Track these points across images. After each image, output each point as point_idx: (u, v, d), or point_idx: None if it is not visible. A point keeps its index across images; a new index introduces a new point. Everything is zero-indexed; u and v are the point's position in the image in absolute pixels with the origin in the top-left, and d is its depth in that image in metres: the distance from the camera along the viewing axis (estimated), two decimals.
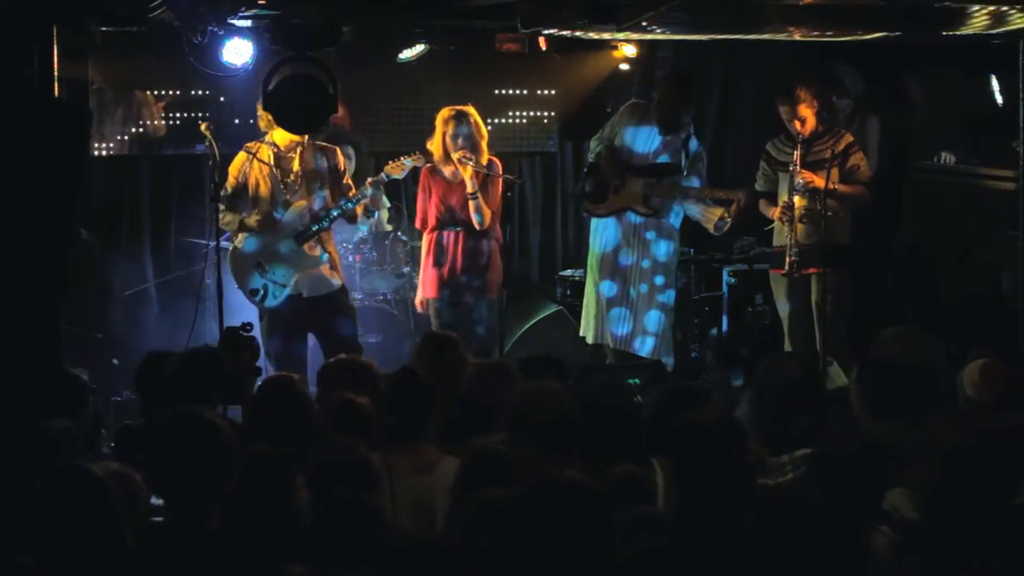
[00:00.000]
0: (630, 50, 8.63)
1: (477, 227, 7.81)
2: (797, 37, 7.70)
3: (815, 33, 7.57)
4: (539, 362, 5.67)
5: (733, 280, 8.92)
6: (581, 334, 8.57)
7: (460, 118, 7.76)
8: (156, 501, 3.93)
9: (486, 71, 9.17)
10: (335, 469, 4.08)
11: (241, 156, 7.49)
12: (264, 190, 7.42)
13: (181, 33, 7.23)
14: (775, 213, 7.87)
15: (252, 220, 7.43)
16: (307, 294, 7.50)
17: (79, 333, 8.23)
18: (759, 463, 4.37)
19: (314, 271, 7.49)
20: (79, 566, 3.54)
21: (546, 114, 9.72)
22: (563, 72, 9.33)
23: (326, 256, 7.52)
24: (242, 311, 7.62)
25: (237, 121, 8.82)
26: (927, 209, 8.89)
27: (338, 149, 7.64)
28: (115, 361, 8.39)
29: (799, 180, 7.68)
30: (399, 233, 8.88)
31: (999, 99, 8.54)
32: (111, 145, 9.03)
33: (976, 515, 3.68)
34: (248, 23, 7.35)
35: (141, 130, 9.12)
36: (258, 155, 7.42)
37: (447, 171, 7.87)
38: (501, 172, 7.85)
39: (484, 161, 7.76)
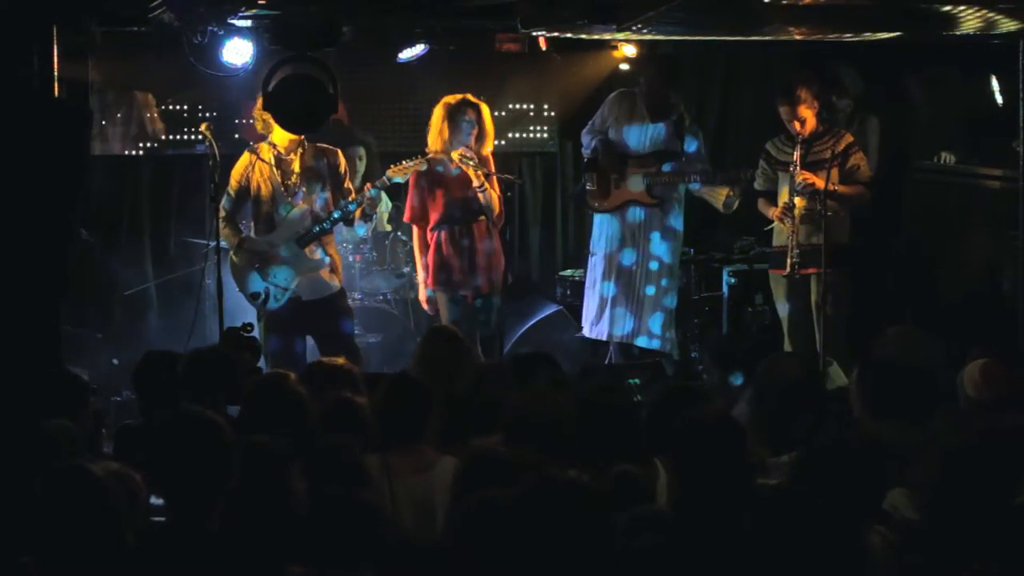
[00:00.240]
0: (630, 50, 8.63)
1: (487, 221, 7.76)
2: (797, 37, 7.71)
3: (816, 34, 7.58)
4: (531, 358, 5.66)
5: (733, 280, 8.92)
6: (583, 333, 8.57)
7: (467, 107, 7.67)
8: (156, 501, 3.93)
9: (486, 71, 9.16)
10: (328, 468, 4.08)
11: (245, 158, 7.49)
12: (265, 192, 7.42)
13: (181, 33, 7.24)
14: (775, 213, 7.88)
15: (252, 230, 7.46)
16: (306, 297, 7.49)
17: (79, 333, 8.24)
18: (759, 463, 4.38)
19: (314, 274, 7.49)
20: (79, 566, 3.53)
21: (546, 114, 9.72)
22: (563, 72, 9.33)
23: (327, 258, 7.51)
24: (242, 311, 7.63)
25: (237, 121, 8.83)
26: (927, 209, 8.89)
27: (339, 151, 7.63)
28: (115, 361, 8.39)
29: (799, 180, 7.69)
30: (399, 233, 8.87)
31: (999, 99, 8.54)
32: (111, 145, 9.03)
33: (976, 515, 3.68)
34: (248, 23, 7.35)
35: (141, 130, 9.12)
36: (260, 154, 7.42)
37: (448, 165, 7.73)
38: (494, 169, 7.80)
39: (486, 152, 7.69)
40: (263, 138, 7.55)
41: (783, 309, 8.02)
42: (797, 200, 7.73)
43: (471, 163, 7.62)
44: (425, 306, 8.00)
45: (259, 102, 7.28)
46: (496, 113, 8.99)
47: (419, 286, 8.01)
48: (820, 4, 6.50)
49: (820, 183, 7.61)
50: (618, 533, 3.52)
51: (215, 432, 3.71)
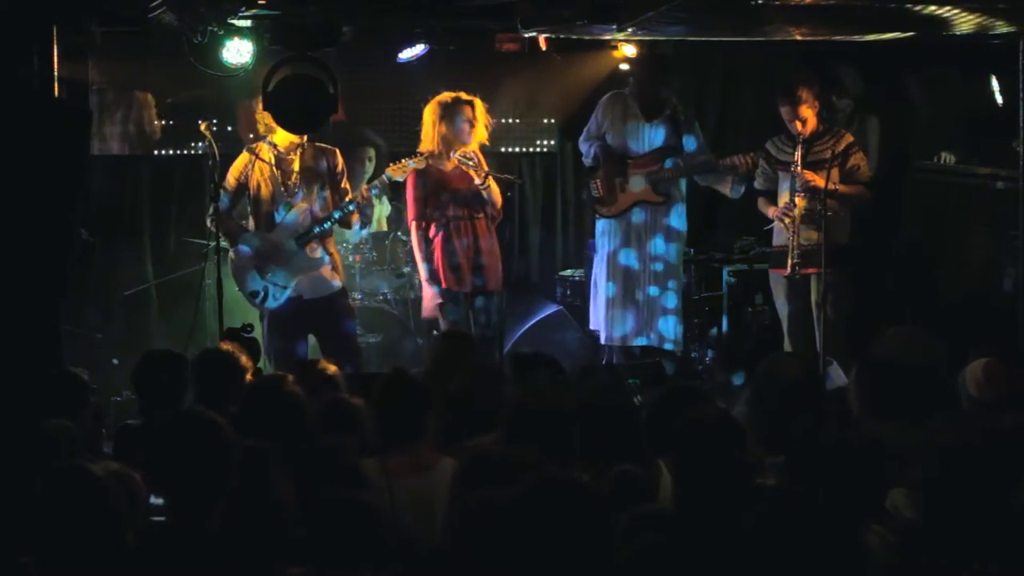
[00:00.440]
0: (630, 50, 8.63)
1: (486, 219, 7.76)
2: (797, 37, 7.71)
3: (816, 34, 7.58)
4: (530, 358, 5.66)
5: (733, 280, 8.92)
6: (592, 329, 8.59)
7: (463, 105, 7.64)
8: (156, 501, 3.93)
9: (486, 71, 9.16)
10: (325, 470, 4.08)
11: (244, 156, 7.49)
12: (265, 191, 7.42)
13: (181, 33, 7.24)
14: (774, 213, 7.88)
15: (250, 226, 7.46)
16: (307, 296, 7.50)
17: (79, 333, 8.24)
18: (758, 463, 4.37)
19: (315, 273, 7.49)
20: (79, 566, 3.53)
21: (546, 114, 9.72)
22: (563, 72, 9.32)
23: (327, 258, 7.52)
24: (242, 311, 7.64)
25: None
26: (927, 209, 8.89)
27: (338, 151, 7.63)
28: (115, 361, 8.39)
29: (801, 180, 7.69)
30: (399, 233, 8.87)
31: (999, 99, 8.54)
32: (111, 145, 9.03)
33: (976, 515, 3.68)
34: (248, 23, 7.36)
35: (140, 130, 9.12)
36: (260, 154, 7.42)
37: (446, 163, 7.73)
38: (486, 167, 7.80)
39: (477, 146, 7.69)
40: (259, 139, 7.55)
41: (783, 309, 8.02)
42: (798, 200, 7.73)
43: (470, 163, 7.63)
44: (427, 306, 7.94)
45: (259, 103, 7.29)
46: (496, 113, 8.99)
47: (421, 285, 7.98)
48: (820, 4, 6.50)
49: (821, 183, 7.61)
50: (618, 533, 3.52)
51: (215, 432, 3.71)
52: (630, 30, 7.17)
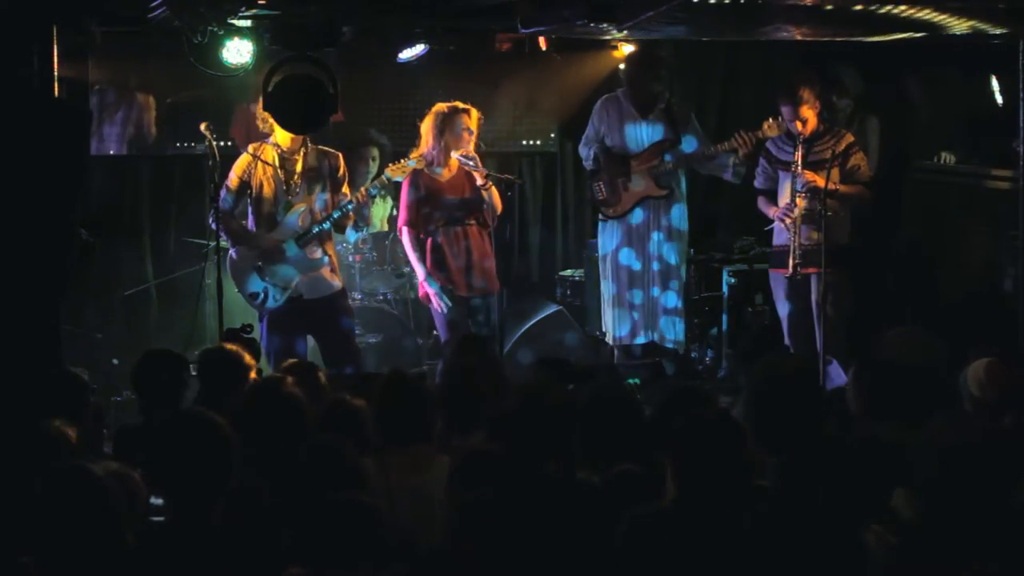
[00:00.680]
0: (630, 50, 8.64)
1: (478, 223, 7.77)
2: (798, 37, 7.71)
3: (817, 35, 7.58)
4: (553, 364, 5.64)
5: (733, 280, 8.93)
6: (602, 330, 8.60)
7: (462, 114, 7.64)
8: (156, 501, 3.93)
9: (486, 71, 9.17)
10: (325, 470, 4.08)
11: (245, 157, 7.48)
12: (268, 191, 7.42)
13: (181, 33, 7.24)
14: (775, 212, 7.88)
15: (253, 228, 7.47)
16: (307, 296, 7.50)
17: (79, 333, 8.24)
18: (758, 463, 4.37)
19: (314, 273, 7.49)
20: (79, 566, 3.54)
21: (546, 114, 9.72)
22: (563, 72, 9.33)
23: (326, 258, 7.52)
24: (242, 311, 7.63)
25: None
26: (927, 209, 8.89)
27: (340, 154, 7.63)
28: (115, 361, 8.39)
29: (802, 180, 7.69)
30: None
31: (999, 99, 8.55)
32: (107, 145, 9.03)
33: (976, 515, 3.68)
34: (248, 23, 7.35)
35: (139, 131, 9.12)
36: (262, 156, 7.41)
37: (444, 168, 7.74)
38: (482, 166, 7.80)
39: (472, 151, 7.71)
40: (258, 139, 7.55)
41: (783, 309, 8.02)
42: (798, 200, 7.73)
43: (471, 164, 7.63)
44: (433, 301, 7.92)
45: (258, 105, 7.30)
46: (496, 113, 9.00)
47: (419, 285, 7.98)
48: (820, 4, 6.51)
49: (821, 183, 7.61)
50: (619, 532, 3.52)
51: (215, 432, 3.71)
52: (630, 28, 7.17)
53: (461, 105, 7.69)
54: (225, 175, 7.47)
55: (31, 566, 3.56)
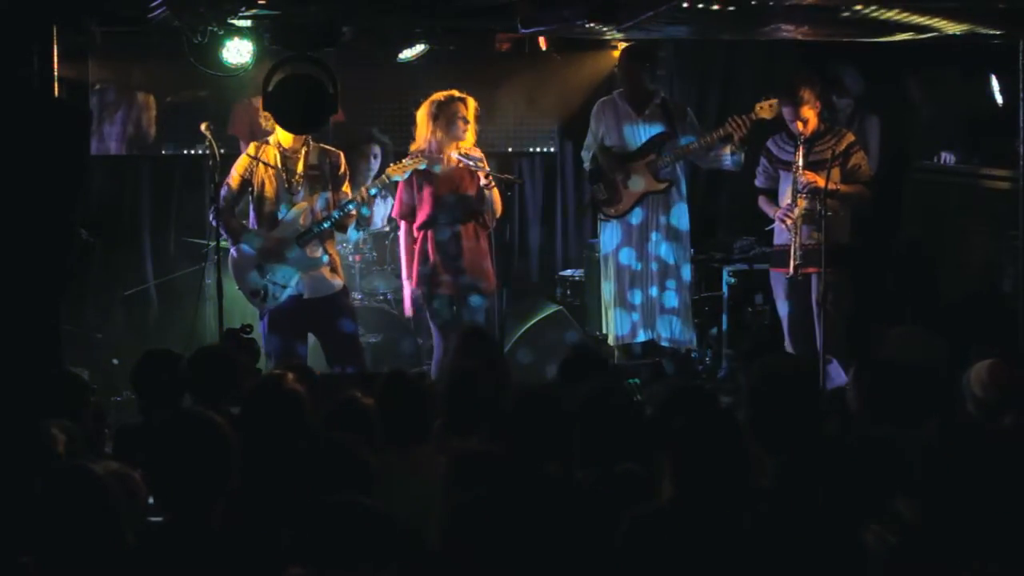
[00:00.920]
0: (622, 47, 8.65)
1: (475, 222, 7.77)
2: (798, 37, 7.70)
3: (817, 35, 7.58)
4: (581, 363, 5.62)
5: (733, 280, 8.92)
6: (603, 332, 8.60)
7: (458, 103, 7.64)
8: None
9: (486, 71, 9.17)
10: (336, 468, 4.08)
11: (245, 158, 7.48)
12: (269, 190, 7.42)
13: (181, 33, 7.24)
14: (776, 213, 7.88)
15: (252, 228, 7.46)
16: (308, 295, 7.50)
17: (79, 333, 8.24)
18: (758, 463, 4.37)
19: (315, 272, 7.49)
20: (79, 566, 3.54)
21: (546, 114, 9.72)
22: (563, 72, 9.33)
23: (327, 257, 7.52)
24: (241, 311, 7.64)
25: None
26: (927, 209, 8.89)
27: (341, 153, 7.63)
28: (115, 361, 8.40)
29: (803, 181, 7.69)
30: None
31: (999, 99, 8.54)
32: (107, 144, 9.03)
33: (976, 515, 3.68)
34: (248, 23, 7.35)
35: (138, 131, 9.12)
36: (263, 157, 7.41)
37: (442, 163, 7.72)
38: (485, 164, 7.80)
39: (470, 145, 7.70)
40: (259, 135, 7.55)
41: (783, 309, 8.02)
42: (799, 200, 7.73)
43: (472, 163, 7.63)
44: (408, 308, 8.01)
45: (259, 101, 7.30)
46: (496, 113, 9.00)
47: (403, 285, 7.99)
48: (821, 5, 6.51)
49: (822, 183, 7.61)
50: (619, 532, 3.52)
51: (215, 432, 3.71)
52: (628, 32, 7.17)
53: (457, 94, 7.70)
54: (225, 175, 7.47)
55: (31, 566, 3.56)
